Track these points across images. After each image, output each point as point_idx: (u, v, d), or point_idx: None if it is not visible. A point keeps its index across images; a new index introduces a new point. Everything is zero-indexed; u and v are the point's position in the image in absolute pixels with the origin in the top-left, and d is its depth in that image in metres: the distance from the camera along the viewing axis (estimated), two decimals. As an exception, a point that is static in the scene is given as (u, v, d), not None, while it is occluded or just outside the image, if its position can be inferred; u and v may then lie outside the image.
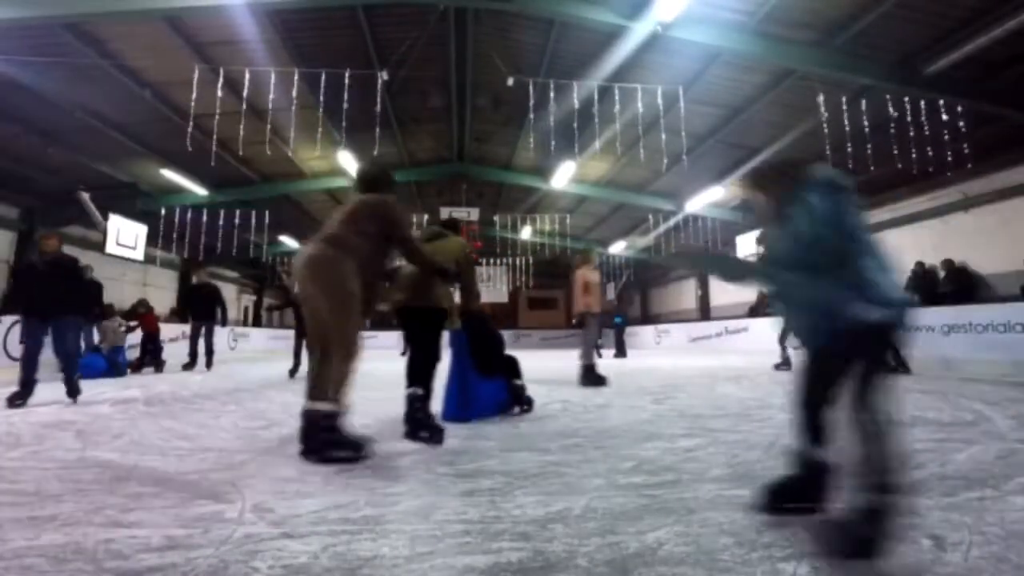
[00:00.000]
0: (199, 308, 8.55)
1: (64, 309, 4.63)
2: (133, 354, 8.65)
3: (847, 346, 1.45)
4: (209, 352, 8.59)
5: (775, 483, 1.66)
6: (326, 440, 2.41)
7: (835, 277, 1.44)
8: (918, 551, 1.38)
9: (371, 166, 3.18)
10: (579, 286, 6.02)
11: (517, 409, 3.87)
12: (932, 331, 7.85)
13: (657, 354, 14.39)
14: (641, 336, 20.43)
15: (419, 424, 2.92)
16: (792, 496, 1.60)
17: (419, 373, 3.09)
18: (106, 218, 11.54)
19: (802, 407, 1.59)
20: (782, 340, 7.43)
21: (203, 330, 8.54)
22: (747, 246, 14.61)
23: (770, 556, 1.36)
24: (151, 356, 8.61)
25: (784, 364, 7.36)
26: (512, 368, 3.94)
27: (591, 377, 5.73)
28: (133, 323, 8.80)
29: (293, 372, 7.22)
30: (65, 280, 4.66)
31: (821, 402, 1.55)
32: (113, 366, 7.36)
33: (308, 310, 2.62)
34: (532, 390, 4.16)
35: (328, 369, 2.49)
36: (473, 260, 3.78)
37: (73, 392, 4.61)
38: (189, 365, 8.52)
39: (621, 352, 12.99)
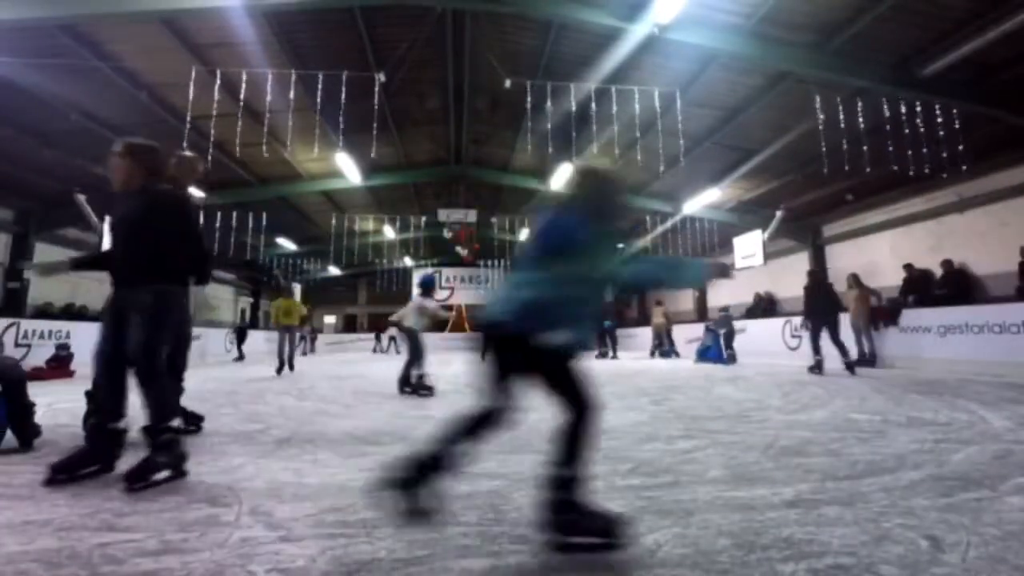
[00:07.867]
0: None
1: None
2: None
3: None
4: None
5: None
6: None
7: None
8: (916, 551, 1.38)
9: None
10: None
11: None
12: (929, 332, 7.88)
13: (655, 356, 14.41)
14: (639, 338, 20.41)
15: None
16: None
17: None
18: (102, 220, 11.46)
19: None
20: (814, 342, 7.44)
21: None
22: (744, 247, 14.64)
23: (768, 558, 1.36)
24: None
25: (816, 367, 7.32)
26: None
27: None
28: None
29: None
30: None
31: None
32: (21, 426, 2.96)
33: None
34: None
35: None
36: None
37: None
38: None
39: (614, 353, 13.30)
